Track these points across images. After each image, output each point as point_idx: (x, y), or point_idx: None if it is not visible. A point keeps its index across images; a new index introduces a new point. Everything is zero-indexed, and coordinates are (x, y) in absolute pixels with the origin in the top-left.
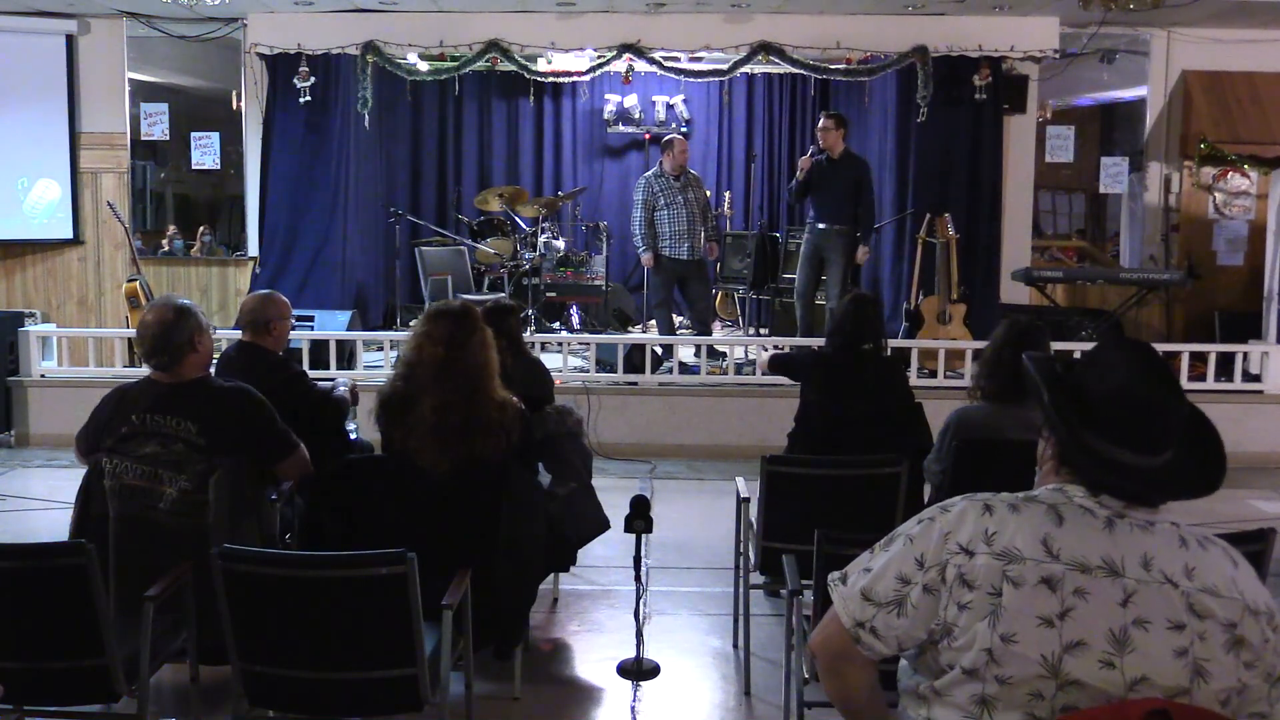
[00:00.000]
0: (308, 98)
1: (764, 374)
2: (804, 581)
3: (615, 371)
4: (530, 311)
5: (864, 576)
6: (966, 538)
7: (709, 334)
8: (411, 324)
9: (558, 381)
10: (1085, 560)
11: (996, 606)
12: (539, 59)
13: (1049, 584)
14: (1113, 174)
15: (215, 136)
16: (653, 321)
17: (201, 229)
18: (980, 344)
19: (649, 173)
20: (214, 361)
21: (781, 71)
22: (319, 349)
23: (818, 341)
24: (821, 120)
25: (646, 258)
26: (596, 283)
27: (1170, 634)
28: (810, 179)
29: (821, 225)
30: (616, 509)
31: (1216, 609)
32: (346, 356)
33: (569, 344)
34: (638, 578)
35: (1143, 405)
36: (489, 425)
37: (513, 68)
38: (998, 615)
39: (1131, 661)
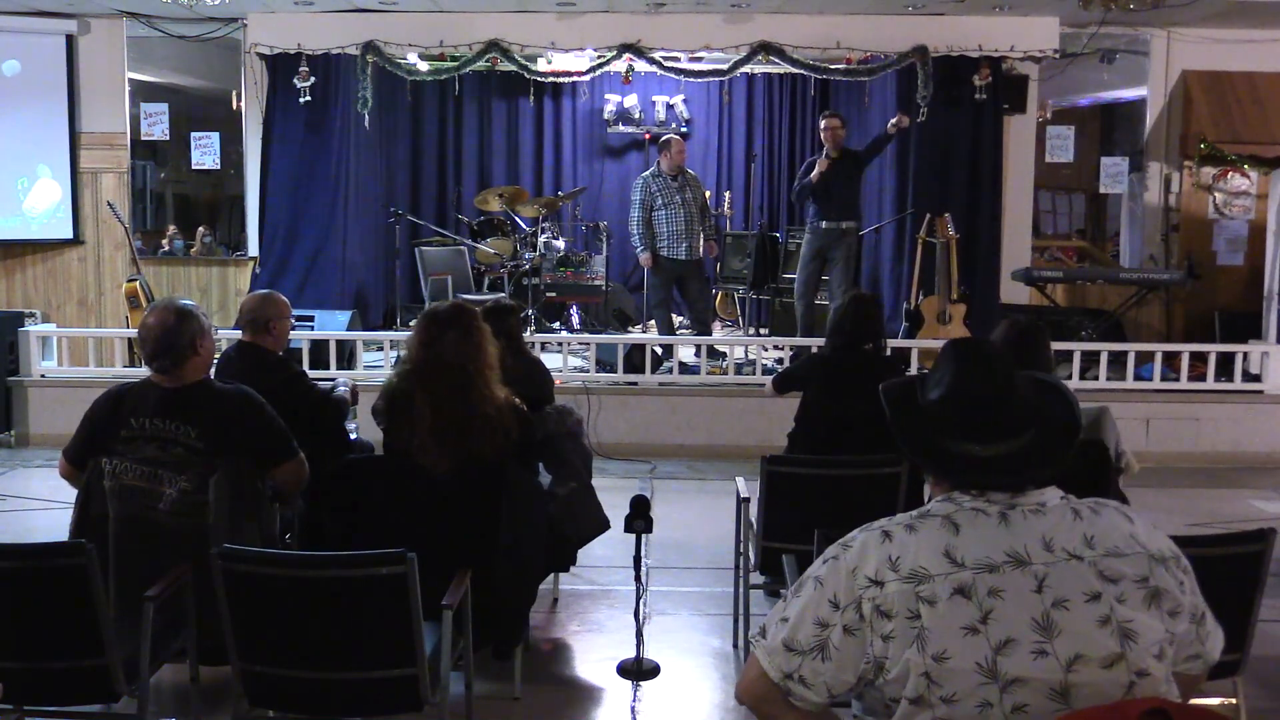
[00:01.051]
0: (308, 98)
1: (772, 396)
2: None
3: (615, 371)
4: (530, 311)
5: (783, 627)
6: (873, 569)
7: (708, 334)
8: (412, 323)
9: (558, 381)
10: (990, 559)
11: (919, 629)
12: (539, 59)
13: (963, 593)
14: (1113, 174)
15: (215, 136)
16: (653, 321)
17: (201, 229)
18: None
19: (646, 173)
20: (215, 362)
21: (781, 71)
22: (319, 349)
23: (818, 341)
24: (828, 120)
25: (644, 258)
26: (596, 283)
27: (1089, 606)
28: (825, 179)
29: (826, 224)
30: (616, 509)
31: (1125, 568)
32: (346, 356)
33: (569, 344)
34: (638, 578)
35: (973, 398)
36: (486, 424)
37: (513, 68)
38: (923, 638)
39: (1062, 644)
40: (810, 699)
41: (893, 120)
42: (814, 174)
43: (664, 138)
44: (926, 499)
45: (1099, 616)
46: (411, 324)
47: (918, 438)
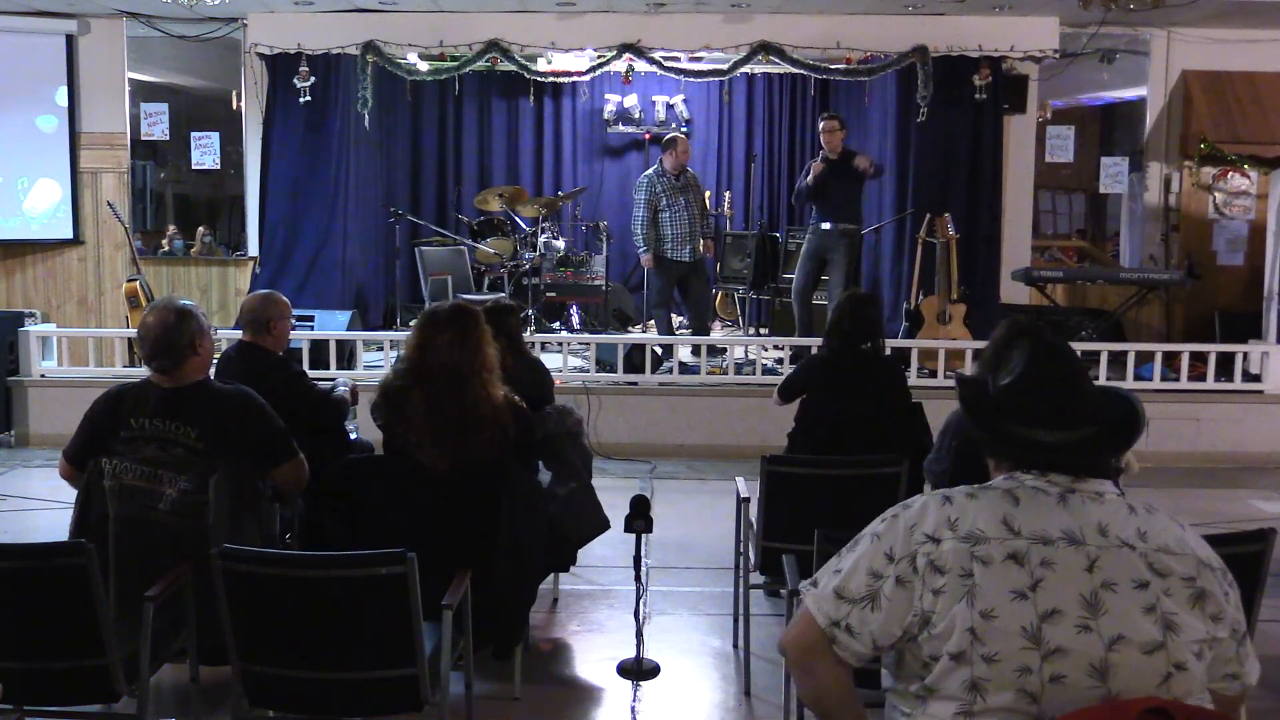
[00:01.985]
0: (308, 98)
1: (780, 405)
2: (804, 581)
3: (615, 371)
4: (530, 311)
5: (835, 577)
6: (931, 527)
7: (706, 333)
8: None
9: (558, 381)
10: (1046, 533)
11: (971, 586)
12: (539, 59)
13: (1016, 559)
14: (1113, 174)
15: (215, 136)
16: (653, 321)
17: (201, 229)
18: (980, 344)
19: (650, 172)
20: (214, 362)
21: (781, 71)
22: (319, 349)
23: (816, 341)
24: (826, 122)
25: (646, 259)
26: (596, 283)
27: (1137, 592)
28: (820, 182)
29: (826, 225)
30: (616, 509)
31: (1174, 565)
32: (346, 356)
33: (569, 344)
34: (638, 578)
35: (1042, 386)
36: (482, 424)
37: (513, 68)
38: (974, 594)
39: (1106, 623)
40: (854, 648)
41: (862, 163)
42: (809, 177)
43: (669, 136)
44: None
45: (1145, 604)
46: (412, 323)
47: (987, 419)
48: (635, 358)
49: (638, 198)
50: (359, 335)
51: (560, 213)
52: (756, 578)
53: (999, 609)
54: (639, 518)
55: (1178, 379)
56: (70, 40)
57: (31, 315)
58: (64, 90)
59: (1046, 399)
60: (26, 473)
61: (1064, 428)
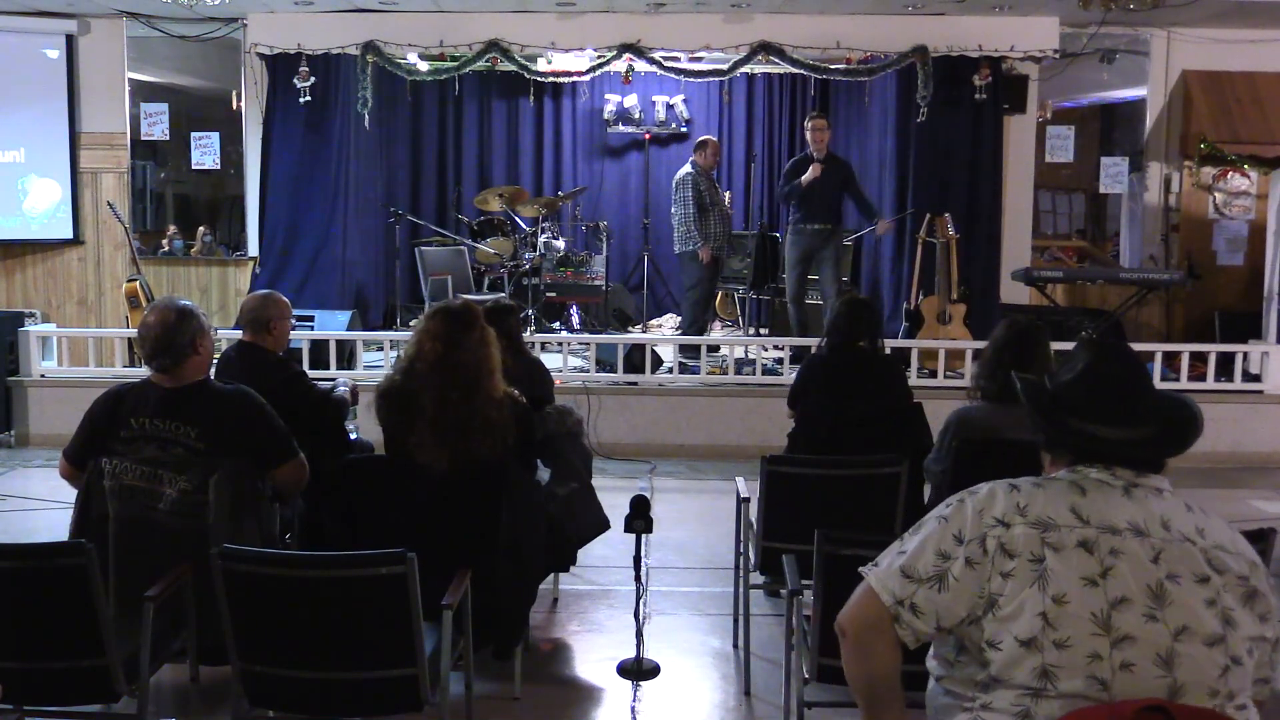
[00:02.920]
0: (308, 98)
1: (793, 416)
2: (804, 581)
3: (615, 371)
4: (530, 311)
5: (900, 558)
6: (1000, 511)
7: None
8: (412, 323)
9: (558, 381)
10: (1113, 523)
11: (1042, 570)
12: (539, 59)
13: (1086, 547)
14: (1113, 174)
15: (215, 136)
16: (653, 321)
17: (201, 229)
18: (980, 344)
19: (688, 170)
20: (214, 362)
21: (781, 71)
22: (319, 349)
23: (815, 341)
24: (814, 121)
25: (705, 252)
26: (596, 283)
27: (1198, 586)
28: (809, 183)
29: (813, 226)
30: (616, 509)
31: (1230, 563)
32: (346, 356)
33: (569, 344)
34: (638, 578)
35: (1104, 383)
36: (487, 425)
37: (513, 68)
38: (1045, 578)
39: (1171, 614)
40: (918, 627)
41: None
42: (805, 179)
43: (702, 138)
44: (926, 500)
45: (1206, 598)
46: (413, 323)
47: (1045, 413)
48: (635, 358)
49: (681, 195)
50: (359, 335)
51: (560, 213)
52: (756, 578)
53: (1070, 594)
54: (639, 518)
55: (1178, 379)
56: (70, 40)
57: (31, 315)
58: (64, 91)
59: (1109, 396)
60: (26, 473)
61: (1126, 424)
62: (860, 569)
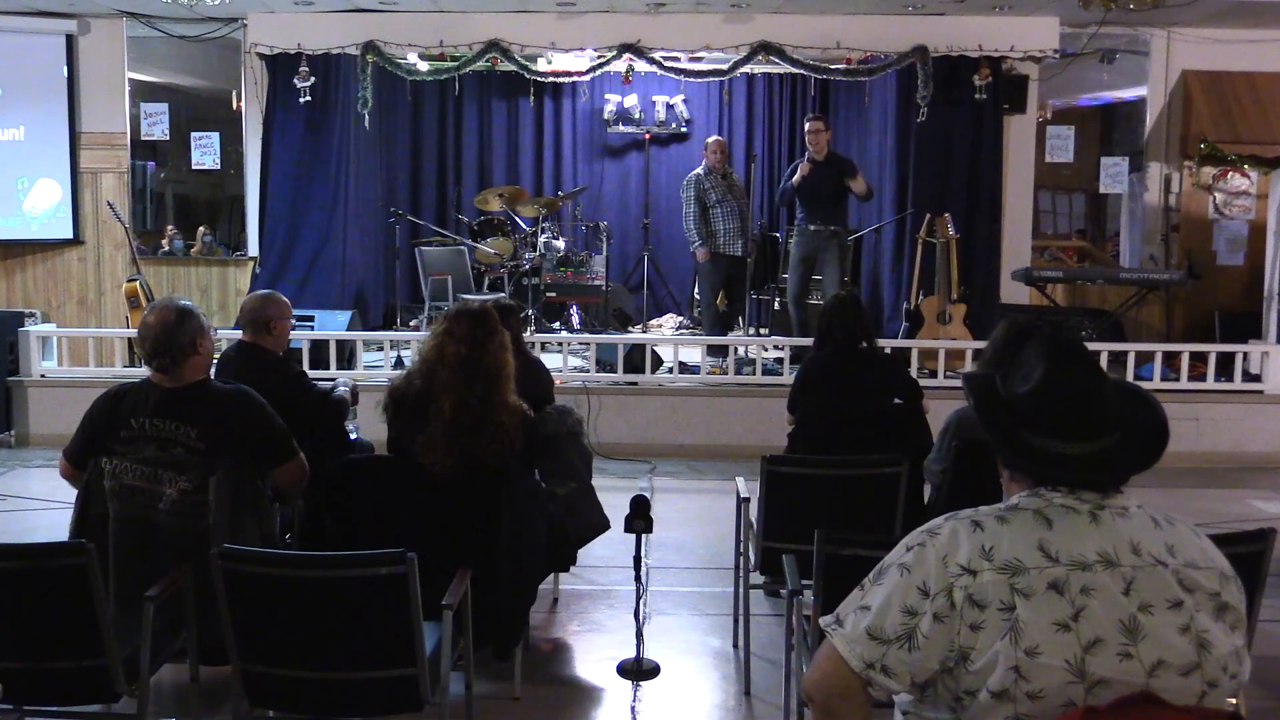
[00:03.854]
0: (308, 98)
1: (794, 421)
2: (804, 581)
3: (615, 371)
4: (530, 311)
5: (864, 615)
6: (965, 557)
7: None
8: (412, 323)
9: (558, 381)
10: (1083, 557)
11: (1013, 621)
12: (539, 59)
13: (1056, 588)
14: (1113, 174)
15: (215, 136)
16: (653, 321)
17: (201, 229)
18: (980, 344)
19: (695, 172)
20: (214, 362)
21: (781, 71)
22: (319, 349)
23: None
24: (812, 123)
25: (702, 252)
26: (596, 283)
27: (1171, 613)
28: (806, 183)
29: (814, 227)
30: (616, 509)
31: (1201, 580)
32: (346, 356)
33: (569, 344)
34: (638, 578)
35: (1064, 396)
36: (498, 430)
37: (513, 68)
38: (1017, 630)
39: (1146, 648)
40: (892, 686)
41: (859, 188)
42: (795, 179)
43: (709, 138)
44: (926, 500)
45: (1180, 624)
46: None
47: (1001, 429)
48: (635, 358)
49: (684, 196)
50: (359, 335)
51: (560, 213)
52: (756, 578)
53: (1042, 645)
54: (639, 518)
55: (1178, 379)
56: (70, 40)
57: (31, 315)
58: (64, 91)
59: (1070, 408)
60: (26, 473)
61: (1088, 438)
62: (822, 623)
